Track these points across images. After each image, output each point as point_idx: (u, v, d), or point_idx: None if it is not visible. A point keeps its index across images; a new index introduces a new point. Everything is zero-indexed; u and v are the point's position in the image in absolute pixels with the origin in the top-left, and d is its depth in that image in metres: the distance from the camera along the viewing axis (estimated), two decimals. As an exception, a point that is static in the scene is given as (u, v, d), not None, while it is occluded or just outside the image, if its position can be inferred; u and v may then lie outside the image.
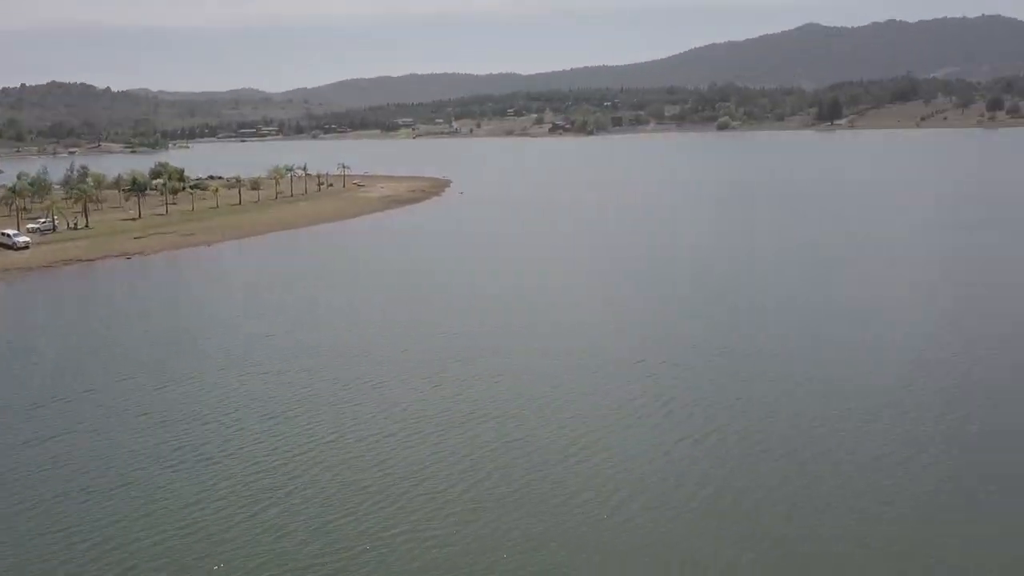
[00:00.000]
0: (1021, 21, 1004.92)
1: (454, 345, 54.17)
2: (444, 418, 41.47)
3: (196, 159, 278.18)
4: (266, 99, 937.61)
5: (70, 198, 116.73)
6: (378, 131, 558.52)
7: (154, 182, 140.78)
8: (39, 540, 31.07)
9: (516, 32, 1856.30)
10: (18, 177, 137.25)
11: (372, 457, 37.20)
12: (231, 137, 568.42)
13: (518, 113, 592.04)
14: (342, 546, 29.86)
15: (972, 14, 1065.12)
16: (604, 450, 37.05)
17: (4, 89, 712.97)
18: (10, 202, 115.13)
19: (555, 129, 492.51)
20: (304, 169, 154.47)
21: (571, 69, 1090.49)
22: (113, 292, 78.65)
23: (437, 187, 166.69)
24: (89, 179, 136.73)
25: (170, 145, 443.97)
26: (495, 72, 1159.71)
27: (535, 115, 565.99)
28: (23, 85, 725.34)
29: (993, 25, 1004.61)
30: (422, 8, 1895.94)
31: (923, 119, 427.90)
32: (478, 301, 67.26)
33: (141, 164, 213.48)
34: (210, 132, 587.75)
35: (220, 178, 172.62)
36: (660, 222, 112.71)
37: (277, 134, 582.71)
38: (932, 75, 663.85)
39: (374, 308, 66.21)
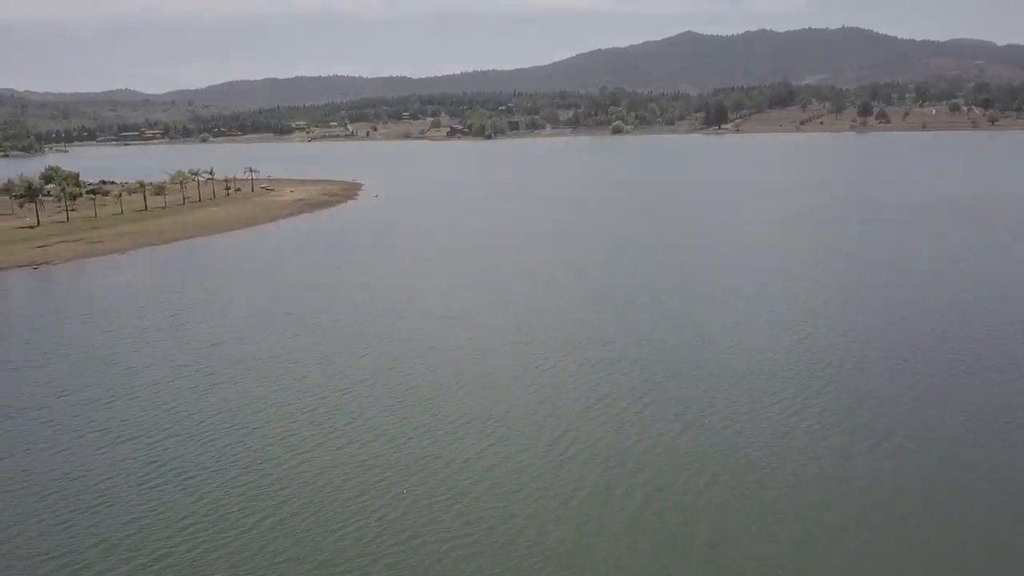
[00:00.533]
0: (878, 33, 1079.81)
1: (418, 350, 54.15)
2: (428, 422, 41.62)
3: (78, 163, 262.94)
4: (146, 100, 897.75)
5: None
6: (271, 134, 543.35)
7: (47, 187, 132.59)
8: (17, 569, 29.55)
9: (402, 35, 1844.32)
10: None
11: (360, 463, 36.93)
12: (112, 140, 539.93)
13: (413, 116, 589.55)
14: (355, 554, 29.73)
15: (834, 25, 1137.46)
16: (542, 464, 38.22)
17: None
18: None
19: (453, 133, 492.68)
20: (211, 173, 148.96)
21: (461, 73, 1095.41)
22: (27, 304, 73.80)
23: (349, 190, 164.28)
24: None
25: (46, 148, 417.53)
26: (384, 75, 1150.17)
27: (431, 118, 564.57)
28: None
29: (854, 36, 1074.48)
30: (304, 9, 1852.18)
31: (802, 123, 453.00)
32: (419, 308, 67.18)
33: (18, 168, 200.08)
34: (88, 135, 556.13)
35: (113, 183, 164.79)
36: (582, 222, 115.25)
37: (162, 137, 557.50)
38: (804, 82, 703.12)
39: (319, 314, 65.00)
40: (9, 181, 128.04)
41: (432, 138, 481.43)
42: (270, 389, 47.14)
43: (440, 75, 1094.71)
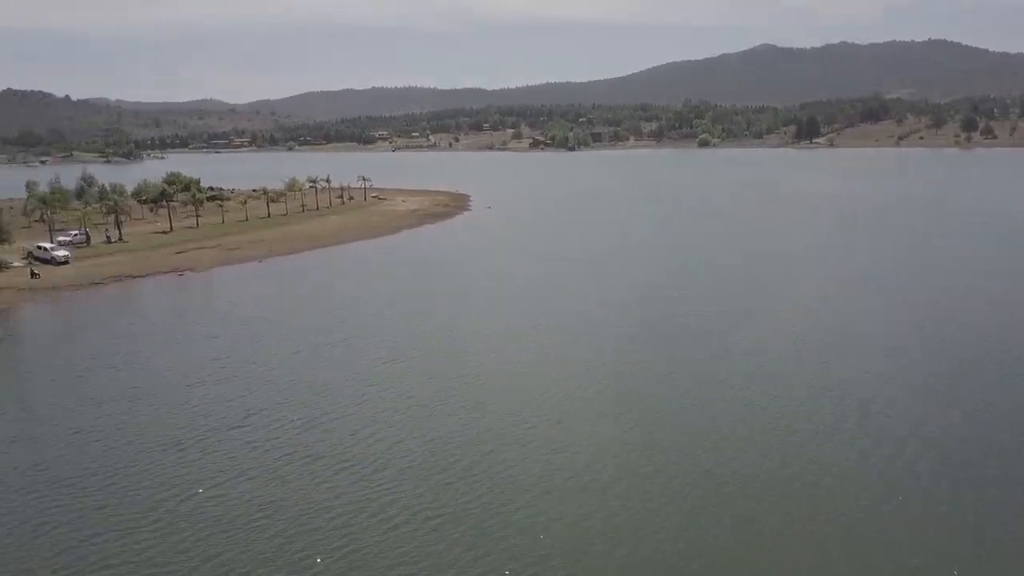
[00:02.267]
0: (965, 45, 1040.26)
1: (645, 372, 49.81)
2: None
3: (176, 170, 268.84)
4: (231, 110, 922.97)
5: (102, 210, 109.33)
6: (354, 143, 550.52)
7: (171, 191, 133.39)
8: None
9: (474, 48, 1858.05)
10: (27, 186, 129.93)
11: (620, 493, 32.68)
12: (203, 147, 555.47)
13: (493, 127, 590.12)
14: None
15: (920, 38, 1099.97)
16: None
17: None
18: (40, 213, 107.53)
19: (536, 144, 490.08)
20: (328, 181, 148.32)
21: (535, 85, 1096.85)
22: (189, 312, 72.10)
23: (458, 201, 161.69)
24: (104, 188, 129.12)
25: (144, 155, 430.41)
26: (459, 87, 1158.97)
27: (511, 130, 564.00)
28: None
29: (941, 48, 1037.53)
30: (380, 21, 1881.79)
31: (901, 138, 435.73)
32: (612, 328, 62.79)
33: (120, 174, 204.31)
34: (181, 143, 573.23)
35: (222, 189, 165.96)
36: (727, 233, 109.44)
37: (250, 145, 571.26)
38: (889, 95, 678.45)
39: (495, 329, 61.28)
40: (139, 186, 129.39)
41: (515, 149, 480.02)
42: (502, 419, 42.71)
43: (514, 87, 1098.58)
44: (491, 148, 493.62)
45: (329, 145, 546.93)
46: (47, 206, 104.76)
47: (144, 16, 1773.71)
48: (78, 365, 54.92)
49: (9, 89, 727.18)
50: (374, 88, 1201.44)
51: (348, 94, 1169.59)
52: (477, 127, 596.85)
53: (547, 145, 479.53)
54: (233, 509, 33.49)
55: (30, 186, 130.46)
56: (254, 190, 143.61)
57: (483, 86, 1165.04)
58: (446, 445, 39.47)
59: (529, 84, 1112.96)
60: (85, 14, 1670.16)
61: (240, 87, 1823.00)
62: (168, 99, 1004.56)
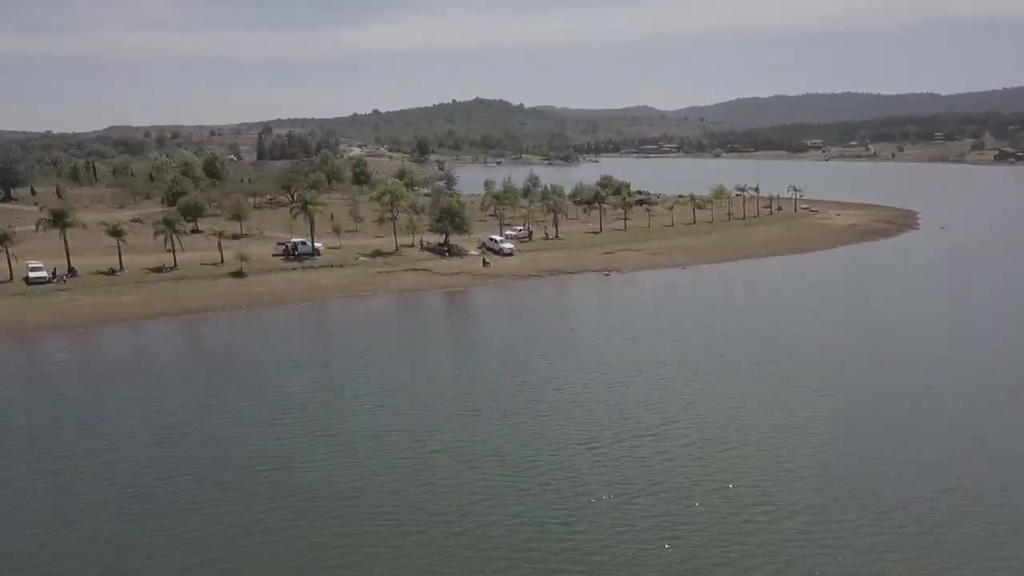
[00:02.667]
0: None
1: None
2: None
3: (608, 173, 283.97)
4: (661, 116, 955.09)
5: (543, 208, 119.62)
6: (783, 152, 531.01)
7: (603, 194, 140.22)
8: None
9: (917, 47, 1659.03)
10: (485, 184, 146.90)
11: None
12: (632, 152, 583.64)
13: (948, 137, 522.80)
14: None
15: None
16: None
17: (440, 104, 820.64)
18: (493, 208, 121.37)
19: (1003, 156, 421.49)
20: (756, 190, 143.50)
21: (1003, 89, 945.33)
22: (610, 311, 74.11)
23: (905, 218, 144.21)
24: (546, 188, 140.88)
25: (580, 159, 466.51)
26: (906, 92, 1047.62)
27: (971, 139, 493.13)
28: (454, 101, 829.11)
29: None
30: (810, 23, 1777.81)
31: None
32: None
33: (558, 175, 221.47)
34: (613, 147, 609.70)
35: (647, 194, 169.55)
36: None
37: (678, 151, 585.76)
38: None
39: (927, 363, 52.11)
40: (575, 187, 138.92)
41: (975, 162, 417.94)
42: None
43: (975, 91, 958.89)
44: (944, 160, 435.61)
45: (757, 152, 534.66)
46: (499, 202, 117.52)
47: (587, 32, 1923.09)
48: (514, 349, 59.64)
49: (478, 98, 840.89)
50: (807, 94, 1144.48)
51: (778, 100, 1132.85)
52: (927, 136, 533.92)
53: (1019, 158, 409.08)
54: (638, 523, 32.54)
55: (487, 184, 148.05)
56: (680, 196, 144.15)
57: (934, 90, 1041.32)
58: (873, 495, 34.13)
59: (995, 88, 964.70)
60: (536, 31, 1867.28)
61: (671, 95, 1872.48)
62: (606, 106, 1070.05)
